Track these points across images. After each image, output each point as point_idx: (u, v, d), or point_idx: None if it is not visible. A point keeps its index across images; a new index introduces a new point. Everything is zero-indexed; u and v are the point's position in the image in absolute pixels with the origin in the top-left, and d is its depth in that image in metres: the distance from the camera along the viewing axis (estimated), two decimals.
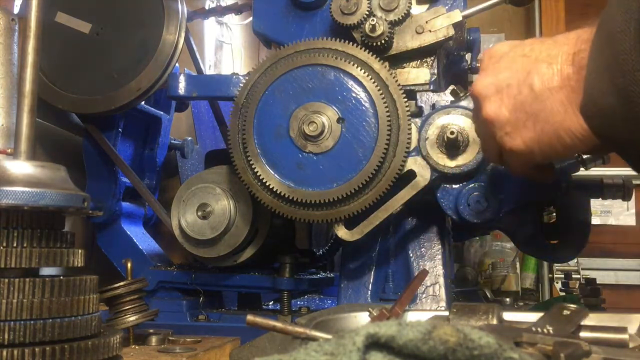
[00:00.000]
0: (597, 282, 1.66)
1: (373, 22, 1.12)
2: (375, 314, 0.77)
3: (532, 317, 0.71)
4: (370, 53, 1.12)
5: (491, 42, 3.32)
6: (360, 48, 1.13)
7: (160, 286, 1.45)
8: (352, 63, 1.12)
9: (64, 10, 1.43)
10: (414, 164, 1.12)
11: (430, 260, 1.25)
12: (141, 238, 1.58)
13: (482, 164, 1.11)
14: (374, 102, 1.10)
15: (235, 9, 1.75)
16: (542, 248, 1.29)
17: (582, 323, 0.68)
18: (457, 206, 1.13)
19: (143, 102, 1.57)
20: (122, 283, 1.05)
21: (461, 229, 1.50)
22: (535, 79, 0.73)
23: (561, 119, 0.71)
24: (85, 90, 1.43)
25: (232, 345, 1.15)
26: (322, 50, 1.14)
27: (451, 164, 1.11)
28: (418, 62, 1.19)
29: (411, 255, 1.27)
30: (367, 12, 1.13)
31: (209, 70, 2.55)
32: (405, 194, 1.11)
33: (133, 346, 1.06)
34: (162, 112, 1.74)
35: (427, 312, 0.82)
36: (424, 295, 1.23)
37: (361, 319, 0.79)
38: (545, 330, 0.61)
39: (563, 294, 2.09)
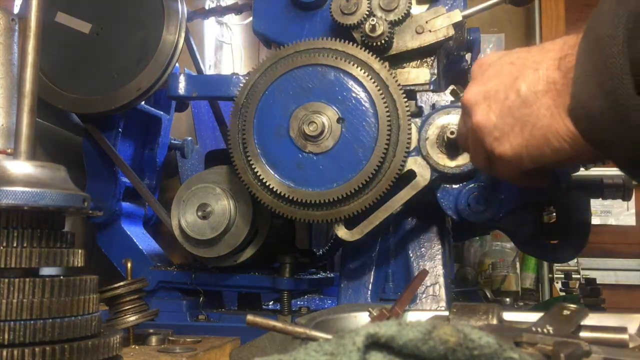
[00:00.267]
0: (597, 282, 1.67)
1: (373, 22, 1.12)
2: (375, 314, 0.77)
3: (532, 317, 0.71)
4: (370, 53, 1.12)
5: (491, 42, 3.32)
6: (360, 48, 1.13)
7: (160, 286, 1.45)
8: (352, 63, 1.12)
9: (64, 10, 1.43)
10: (414, 164, 1.12)
11: (430, 260, 1.25)
12: (141, 238, 1.58)
13: None
14: (374, 102, 1.10)
15: (235, 9, 1.75)
16: (542, 248, 1.29)
17: (582, 323, 0.68)
18: (457, 206, 1.13)
19: (143, 102, 1.57)
20: (122, 283, 1.05)
21: (461, 229, 1.50)
22: (521, 84, 0.74)
23: (548, 123, 0.71)
24: (85, 90, 1.43)
25: (232, 345, 1.15)
26: (322, 50, 1.14)
27: (451, 164, 1.11)
28: (418, 62, 1.19)
29: (411, 255, 1.27)
30: (367, 12, 1.14)
31: (209, 70, 2.55)
32: (405, 194, 1.11)
33: (133, 346, 1.06)
34: (162, 112, 1.74)
35: (427, 312, 0.82)
36: (424, 295, 1.23)
37: (361, 319, 0.79)
38: (545, 330, 0.61)
39: (563, 294, 2.10)
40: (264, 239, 1.36)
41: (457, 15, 1.14)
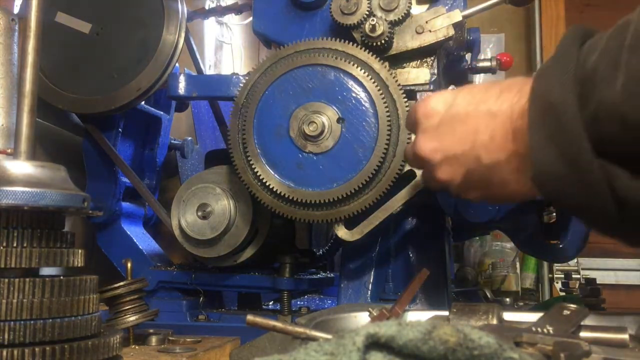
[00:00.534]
0: (597, 282, 1.66)
1: (373, 22, 1.12)
2: (375, 314, 0.77)
3: (532, 317, 0.71)
4: (370, 53, 1.12)
5: (491, 42, 3.32)
6: (360, 48, 1.13)
7: (160, 286, 1.45)
8: (352, 63, 1.12)
9: (64, 10, 1.43)
10: None
11: (430, 260, 1.25)
12: (141, 238, 1.58)
13: None
14: (374, 102, 1.10)
15: (235, 9, 1.74)
16: (542, 248, 1.29)
17: (582, 323, 0.68)
18: (457, 206, 1.13)
19: (143, 102, 1.57)
20: (122, 283, 1.05)
21: (461, 229, 1.50)
22: (480, 152, 0.76)
23: (513, 188, 0.75)
24: (85, 90, 1.43)
25: (232, 345, 1.15)
26: (322, 50, 1.14)
27: None
28: (418, 62, 1.19)
29: (411, 255, 1.27)
30: (367, 12, 1.14)
31: (209, 70, 2.55)
32: (405, 194, 1.11)
33: (133, 346, 1.06)
34: (162, 112, 1.74)
35: (427, 312, 0.82)
36: (424, 296, 1.23)
37: (361, 319, 0.79)
38: (545, 330, 0.61)
39: (563, 294, 2.09)
40: (264, 239, 1.36)
41: (457, 15, 1.14)
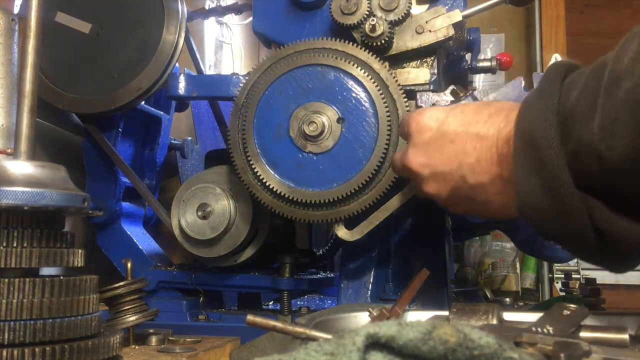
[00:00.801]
0: (597, 282, 1.66)
1: (373, 22, 1.12)
2: (375, 314, 0.77)
3: (532, 317, 0.71)
4: (370, 53, 1.12)
5: (491, 42, 3.32)
6: (360, 48, 1.13)
7: (160, 286, 1.45)
8: (352, 63, 1.12)
9: (64, 10, 1.43)
10: None
11: (430, 260, 1.25)
12: (141, 238, 1.58)
13: None
14: (374, 102, 1.10)
15: (235, 9, 1.74)
16: (542, 248, 1.29)
17: (582, 323, 0.68)
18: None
19: (143, 102, 1.57)
20: (122, 283, 1.05)
21: (461, 229, 1.50)
22: (466, 172, 0.79)
23: (496, 208, 0.79)
24: (85, 90, 1.43)
25: (232, 345, 1.15)
26: (322, 50, 1.14)
27: None
28: (418, 62, 1.19)
29: (411, 255, 1.27)
30: (367, 12, 1.14)
31: (209, 70, 2.55)
32: (405, 194, 1.11)
33: (133, 346, 1.06)
34: (162, 112, 1.74)
35: (427, 312, 0.82)
36: (424, 296, 1.23)
37: (361, 319, 0.79)
38: (545, 330, 0.61)
39: (563, 294, 2.09)
40: (264, 239, 1.36)
41: (457, 15, 1.14)
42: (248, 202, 1.31)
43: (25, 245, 0.71)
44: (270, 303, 1.65)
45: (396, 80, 1.11)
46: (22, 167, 0.73)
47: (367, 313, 0.78)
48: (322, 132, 1.11)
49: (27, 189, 0.70)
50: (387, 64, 1.12)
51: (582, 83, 0.66)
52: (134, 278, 1.08)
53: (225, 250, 1.32)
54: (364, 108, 1.11)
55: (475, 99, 1.21)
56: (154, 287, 1.43)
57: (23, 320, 0.68)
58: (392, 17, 1.14)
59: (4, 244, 0.70)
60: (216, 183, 1.32)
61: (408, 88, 1.15)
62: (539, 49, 3.29)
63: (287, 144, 1.13)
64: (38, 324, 0.68)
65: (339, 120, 1.11)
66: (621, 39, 0.65)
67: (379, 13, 1.15)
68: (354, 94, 1.11)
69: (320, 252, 1.58)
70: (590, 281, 1.66)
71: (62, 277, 0.72)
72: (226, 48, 2.79)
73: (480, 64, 1.46)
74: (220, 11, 1.87)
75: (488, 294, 2.08)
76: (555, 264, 2.98)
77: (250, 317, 0.60)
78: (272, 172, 1.13)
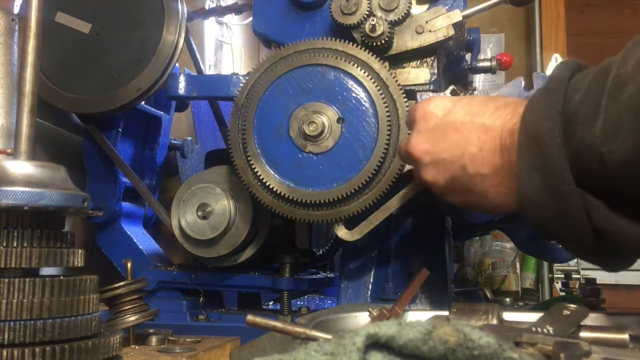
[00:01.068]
0: (597, 282, 1.66)
1: (373, 22, 1.12)
2: (375, 314, 0.77)
3: (532, 317, 0.71)
4: (370, 53, 1.12)
5: (491, 42, 3.32)
6: (360, 48, 1.13)
7: (160, 286, 1.45)
8: (352, 63, 1.12)
9: (64, 10, 1.43)
10: None
11: (430, 261, 1.25)
12: (141, 238, 1.58)
13: None
14: (374, 102, 1.10)
15: (235, 9, 1.74)
16: (542, 248, 1.29)
17: (582, 323, 0.68)
18: (457, 207, 1.13)
19: (143, 102, 1.57)
20: (122, 283, 1.05)
21: (461, 229, 1.50)
22: (467, 161, 0.80)
23: (492, 199, 0.79)
24: (85, 90, 1.43)
25: (232, 345, 1.15)
26: (322, 50, 1.14)
27: None
28: (418, 62, 1.19)
29: (411, 255, 1.27)
30: (367, 12, 1.13)
31: (209, 70, 2.55)
32: (405, 194, 1.11)
33: (133, 346, 1.06)
34: (162, 112, 1.74)
35: (427, 312, 0.82)
36: (424, 296, 1.23)
37: (361, 319, 0.79)
38: (545, 330, 0.61)
39: (563, 294, 2.09)
40: (264, 239, 1.36)
41: (457, 15, 1.14)
42: (248, 202, 1.31)
43: (25, 245, 0.71)
44: (270, 303, 1.65)
45: (396, 80, 1.11)
46: (22, 167, 0.73)
47: (367, 313, 0.78)
48: (322, 132, 1.11)
49: (27, 189, 0.70)
50: (387, 64, 1.12)
51: (586, 85, 0.67)
52: (134, 278, 1.08)
53: (225, 250, 1.32)
54: (364, 108, 1.11)
55: None
56: (154, 287, 1.43)
57: (23, 320, 0.68)
58: (392, 17, 1.14)
59: (4, 244, 0.70)
60: (216, 183, 1.32)
61: (408, 88, 1.15)
62: (539, 49, 3.29)
63: (287, 144, 1.13)
64: (38, 324, 0.68)
65: (339, 120, 1.11)
66: (621, 39, 0.66)
67: (379, 13, 1.15)
68: (354, 94, 1.11)
69: (320, 252, 1.58)
70: (590, 281, 1.66)
71: (62, 277, 0.72)
72: (226, 48, 2.79)
73: (480, 64, 1.46)
74: (220, 11, 1.87)
75: (488, 294, 2.08)
76: (555, 264, 2.98)
77: (250, 317, 0.60)
78: (272, 172, 1.13)
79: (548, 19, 3.32)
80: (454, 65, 1.41)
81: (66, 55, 1.44)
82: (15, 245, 0.71)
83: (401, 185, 1.11)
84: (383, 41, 1.13)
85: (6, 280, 0.69)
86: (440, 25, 1.15)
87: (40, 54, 0.79)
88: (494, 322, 0.69)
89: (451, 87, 1.19)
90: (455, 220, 1.42)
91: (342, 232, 1.15)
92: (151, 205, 1.52)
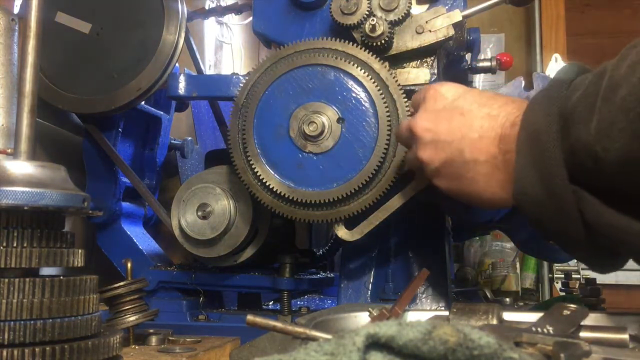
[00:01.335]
0: (597, 282, 1.66)
1: (373, 22, 1.12)
2: (375, 314, 0.77)
3: (532, 317, 0.71)
4: (370, 53, 1.12)
5: (491, 42, 3.32)
6: (360, 48, 1.13)
7: (160, 286, 1.45)
8: (352, 63, 1.12)
9: (64, 10, 1.43)
10: None
11: (430, 261, 1.25)
12: (141, 238, 1.58)
13: None
14: (374, 102, 1.10)
15: (235, 9, 1.74)
16: (542, 248, 1.29)
17: (582, 323, 0.68)
18: (457, 206, 1.13)
19: (143, 102, 1.57)
20: (122, 283, 1.05)
21: (461, 229, 1.50)
22: (465, 145, 0.83)
23: (482, 188, 0.82)
24: (85, 90, 1.43)
25: (232, 345, 1.15)
26: (322, 50, 1.14)
27: None
28: (418, 62, 1.19)
29: (411, 255, 1.27)
30: (367, 12, 1.13)
31: (209, 70, 2.55)
32: (405, 194, 1.11)
33: (133, 346, 1.06)
34: (162, 112, 1.74)
35: (427, 312, 0.82)
36: (424, 295, 1.23)
37: (361, 319, 0.79)
38: (545, 330, 0.61)
39: (563, 294, 2.09)
40: (264, 239, 1.36)
41: (457, 15, 1.14)
42: (248, 202, 1.31)
43: (25, 245, 0.72)
44: (270, 303, 1.65)
45: (396, 80, 1.11)
46: (22, 167, 0.73)
47: (367, 313, 0.78)
48: (322, 132, 1.11)
49: (27, 189, 0.70)
50: (387, 64, 1.12)
51: (584, 86, 0.70)
52: (134, 278, 1.08)
53: (225, 250, 1.32)
54: (364, 108, 1.11)
55: None
56: (154, 287, 1.43)
57: (23, 320, 0.68)
58: (392, 17, 1.14)
59: (4, 244, 0.71)
60: (216, 183, 1.32)
61: (408, 88, 1.15)
62: (539, 49, 3.29)
63: (287, 144, 1.13)
64: (38, 324, 0.68)
65: (339, 120, 1.11)
66: (621, 39, 0.67)
67: (379, 13, 1.15)
68: (354, 94, 1.11)
69: (320, 252, 1.58)
70: (590, 281, 1.66)
71: (62, 277, 0.72)
72: (226, 48, 2.79)
73: (480, 64, 1.46)
74: (220, 11, 1.87)
75: (488, 294, 2.08)
76: (555, 264, 2.98)
77: (250, 317, 0.60)
78: (272, 172, 1.13)
79: (548, 19, 3.32)
80: (454, 65, 1.41)
81: (66, 55, 1.44)
82: (15, 245, 0.71)
83: (401, 185, 1.11)
84: (383, 41, 1.13)
85: (6, 280, 0.69)
86: (440, 25, 1.15)
87: (40, 54, 0.79)
88: (494, 322, 0.69)
89: None
90: (455, 220, 1.42)
91: (342, 232, 1.15)
92: (151, 205, 1.52)
